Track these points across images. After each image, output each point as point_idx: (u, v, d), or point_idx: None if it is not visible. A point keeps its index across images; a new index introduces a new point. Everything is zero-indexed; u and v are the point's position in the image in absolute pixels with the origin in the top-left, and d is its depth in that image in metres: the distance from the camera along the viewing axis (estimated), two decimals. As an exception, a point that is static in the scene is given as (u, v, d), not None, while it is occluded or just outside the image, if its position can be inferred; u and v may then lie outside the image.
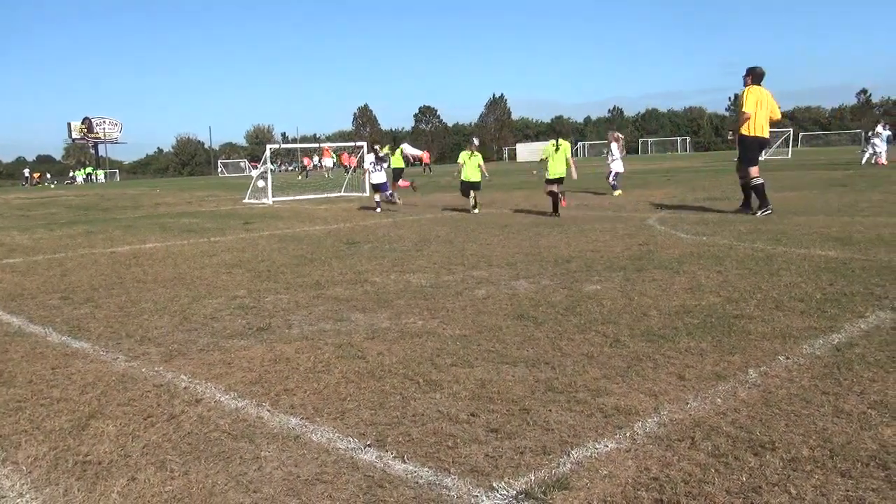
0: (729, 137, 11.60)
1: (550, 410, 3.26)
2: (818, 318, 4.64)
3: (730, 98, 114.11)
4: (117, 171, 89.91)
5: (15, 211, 22.70)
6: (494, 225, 11.44)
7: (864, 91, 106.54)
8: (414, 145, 16.09)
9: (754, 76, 10.96)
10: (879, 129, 27.13)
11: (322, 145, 32.89)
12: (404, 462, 2.82)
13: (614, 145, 17.79)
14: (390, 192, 16.02)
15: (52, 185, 67.22)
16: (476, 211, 13.89)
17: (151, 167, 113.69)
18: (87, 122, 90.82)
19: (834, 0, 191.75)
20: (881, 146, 26.62)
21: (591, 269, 6.82)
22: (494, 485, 2.58)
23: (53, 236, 12.87)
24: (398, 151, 21.95)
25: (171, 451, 3.01)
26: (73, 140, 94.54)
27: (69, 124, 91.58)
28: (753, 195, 11.13)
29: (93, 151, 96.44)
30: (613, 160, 17.54)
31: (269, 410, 3.45)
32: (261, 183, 21.44)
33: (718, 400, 3.30)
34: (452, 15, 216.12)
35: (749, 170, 11.15)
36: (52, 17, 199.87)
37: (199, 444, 3.07)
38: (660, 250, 7.76)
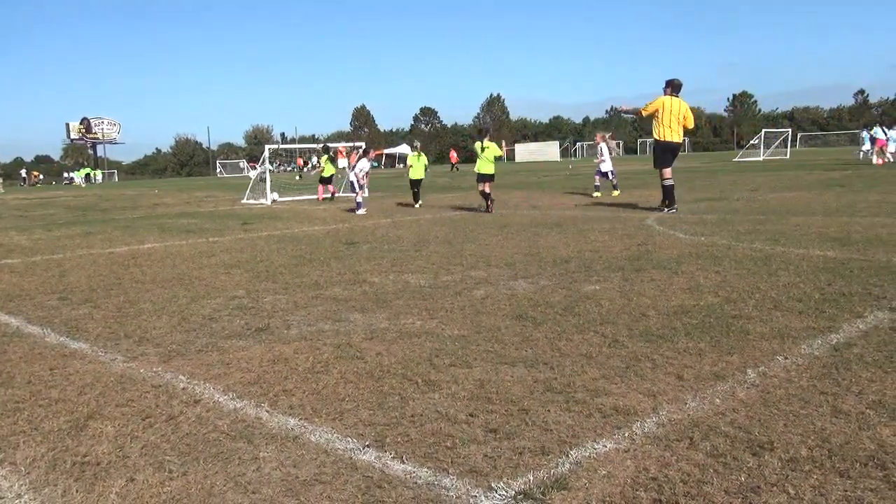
0: (621, 109, 14.08)
1: (549, 411, 3.26)
2: (816, 318, 4.64)
3: (728, 98, 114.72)
4: (115, 171, 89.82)
5: (13, 211, 22.67)
6: (493, 225, 11.44)
7: (861, 91, 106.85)
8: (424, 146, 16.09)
9: (672, 87, 12.12)
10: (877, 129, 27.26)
11: (338, 146, 32.83)
12: (403, 462, 2.82)
13: (603, 146, 17.67)
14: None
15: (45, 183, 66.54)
16: (418, 206, 16.34)
17: (150, 168, 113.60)
18: (85, 122, 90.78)
19: (833, 0, 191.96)
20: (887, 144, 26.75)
21: (589, 269, 6.82)
22: (493, 485, 2.58)
23: (52, 237, 12.86)
24: (324, 159, 22.07)
25: (169, 452, 3.01)
26: (72, 140, 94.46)
27: (67, 125, 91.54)
28: (671, 192, 12.27)
29: (91, 152, 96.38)
30: (602, 161, 17.47)
31: (267, 411, 3.44)
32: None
33: (717, 400, 3.31)
34: (451, 15, 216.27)
35: (661, 171, 12.34)
36: (51, 18, 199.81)
37: (197, 445, 3.07)
38: (658, 250, 7.77)
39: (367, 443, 3.01)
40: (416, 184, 16.94)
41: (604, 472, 2.65)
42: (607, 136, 18.38)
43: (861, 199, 12.65)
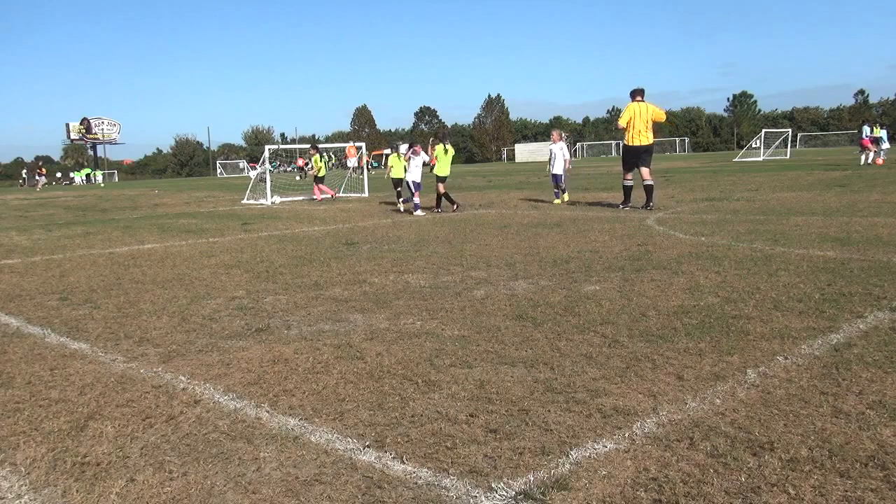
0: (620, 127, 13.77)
1: (549, 411, 3.26)
2: (817, 318, 4.64)
3: (728, 99, 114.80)
4: (115, 171, 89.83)
5: (13, 212, 22.68)
6: (493, 226, 11.44)
7: (861, 91, 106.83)
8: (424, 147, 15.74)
9: (633, 94, 13.24)
10: (866, 128, 27.32)
11: (347, 145, 32.85)
12: (403, 463, 2.81)
13: (556, 147, 16.15)
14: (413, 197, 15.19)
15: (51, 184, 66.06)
16: (401, 205, 16.61)
17: (150, 168, 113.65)
18: (85, 122, 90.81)
19: (832, 0, 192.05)
20: (885, 145, 26.79)
21: (589, 269, 6.82)
22: (493, 485, 2.58)
23: (52, 237, 12.86)
24: (316, 160, 22.01)
25: (169, 452, 3.01)
26: (72, 141, 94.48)
27: (67, 125, 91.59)
28: (651, 192, 13.19)
29: (91, 152, 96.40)
30: (554, 160, 15.97)
31: (267, 411, 3.44)
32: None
33: (717, 400, 3.31)
34: (452, 16, 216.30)
35: (623, 173, 13.72)
36: (51, 17, 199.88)
37: (197, 445, 3.07)
38: (658, 251, 7.77)
39: (367, 443, 3.01)
40: (397, 183, 17.50)
41: (604, 472, 2.65)
42: (564, 136, 16.97)
43: (861, 200, 12.65)
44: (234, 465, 2.85)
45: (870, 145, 27.00)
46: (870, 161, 26.34)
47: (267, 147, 24.43)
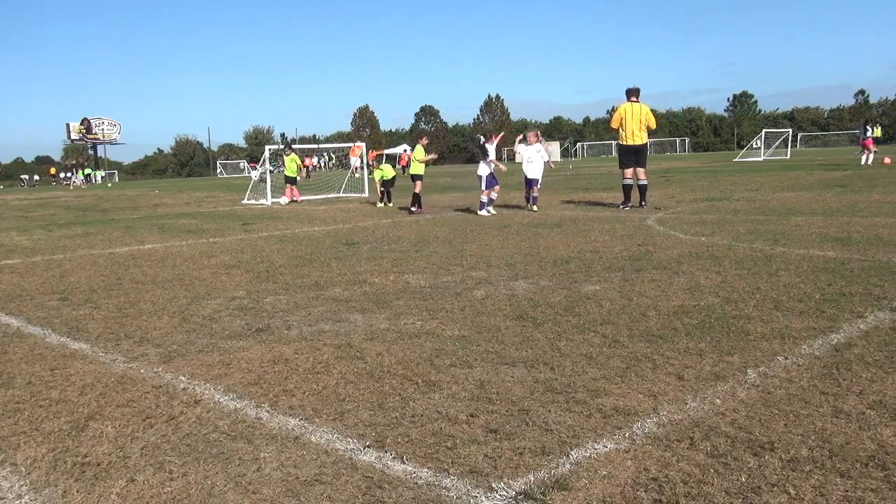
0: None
1: (549, 411, 3.26)
2: (817, 318, 4.64)
3: (728, 99, 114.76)
4: (115, 171, 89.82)
5: (13, 212, 22.68)
6: (493, 226, 11.44)
7: (861, 91, 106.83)
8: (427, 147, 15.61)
9: (628, 93, 13.36)
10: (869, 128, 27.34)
11: (349, 145, 32.83)
12: (403, 463, 2.81)
13: (532, 148, 14.42)
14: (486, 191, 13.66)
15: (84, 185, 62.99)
16: (382, 204, 17.58)
17: (150, 168, 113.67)
18: (85, 122, 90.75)
19: (832, 1, 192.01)
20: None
21: (590, 269, 6.82)
22: (493, 485, 2.58)
23: (52, 237, 12.87)
24: (290, 159, 21.90)
25: (169, 453, 3.01)
26: (72, 141, 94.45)
27: (67, 125, 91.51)
28: (645, 191, 13.49)
29: (91, 152, 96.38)
30: (529, 163, 14.30)
31: (268, 411, 3.44)
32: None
33: (717, 400, 3.31)
34: (452, 16, 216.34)
35: (622, 171, 13.69)
36: (51, 17, 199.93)
37: (197, 445, 3.07)
38: (658, 251, 7.77)
39: (367, 443, 3.01)
40: (387, 184, 18.07)
41: (604, 472, 2.65)
42: (540, 136, 14.92)
43: (861, 200, 12.64)
44: (235, 466, 2.85)
45: (871, 146, 27.03)
46: (870, 161, 26.33)
47: (267, 147, 24.43)
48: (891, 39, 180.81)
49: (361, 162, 27.24)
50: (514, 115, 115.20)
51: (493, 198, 13.95)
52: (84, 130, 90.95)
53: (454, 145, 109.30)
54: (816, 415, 3.08)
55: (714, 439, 2.87)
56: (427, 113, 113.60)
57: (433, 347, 4.37)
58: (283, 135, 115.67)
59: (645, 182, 13.54)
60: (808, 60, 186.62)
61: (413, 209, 15.09)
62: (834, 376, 3.55)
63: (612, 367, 3.85)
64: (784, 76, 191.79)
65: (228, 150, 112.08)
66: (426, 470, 2.74)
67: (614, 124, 13.61)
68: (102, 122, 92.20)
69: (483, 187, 13.75)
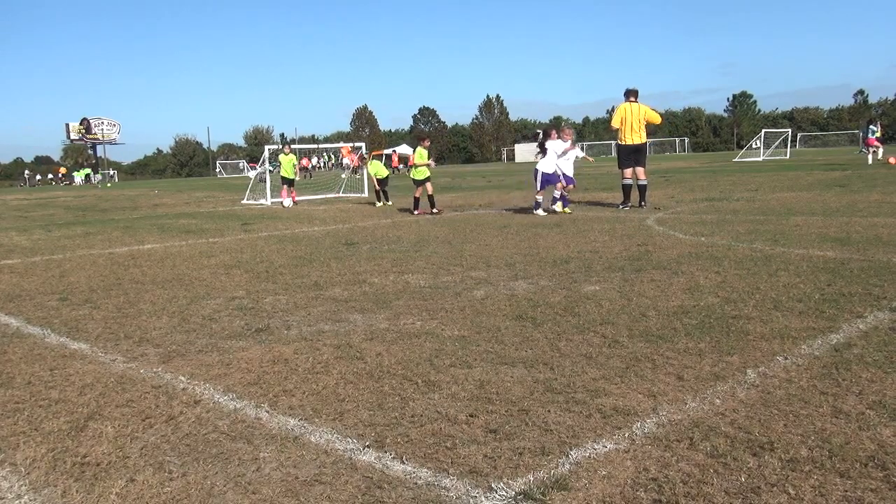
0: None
1: (549, 411, 3.26)
2: (816, 318, 4.64)
3: (728, 99, 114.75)
4: (115, 171, 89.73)
5: (13, 212, 22.67)
6: (493, 226, 11.44)
7: (861, 91, 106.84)
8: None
9: (627, 94, 13.42)
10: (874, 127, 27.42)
11: (341, 145, 32.87)
12: (403, 463, 2.81)
13: (560, 144, 13.25)
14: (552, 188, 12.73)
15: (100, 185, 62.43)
16: (381, 204, 17.69)
17: (150, 168, 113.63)
18: (85, 122, 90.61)
19: (831, 1, 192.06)
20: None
21: (589, 269, 6.82)
22: (493, 485, 2.58)
23: (52, 237, 12.86)
24: (291, 161, 20.99)
25: (169, 453, 3.01)
26: (72, 141, 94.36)
27: (67, 125, 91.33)
28: (644, 191, 13.54)
29: (91, 152, 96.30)
30: (567, 160, 13.26)
31: (267, 411, 3.44)
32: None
33: (717, 400, 3.31)
34: (451, 16, 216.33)
35: (622, 171, 13.70)
36: (50, 17, 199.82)
37: (197, 445, 3.07)
38: (658, 251, 7.77)
39: (367, 443, 3.01)
40: (381, 183, 18.23)
41: (604, 472, 2.65)
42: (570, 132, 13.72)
43: (861, 200, 12.65)
44: (234, 466, 2.85)
45: (875, 144, 27.12)
46: (879, 158, 26.37)
47: (267, 147, 24.43)
48: (890, 39, 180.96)
49: (353, 163, 27.18)
50: (514, 115, 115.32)
51: (557, 196, 12.67)
52: (83, 130, 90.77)
53: (453, 145, 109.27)
54: (816, 415, 3.08)
55: (714, 439, 2.87)
56: (425, 113, 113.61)
57: (433, 347, 4.37)
58: (282, 135, 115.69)
59: (645, 182, 13.61)
60: (807, 60, 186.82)
61: (434, 211, 14.58)
62: (833, 376, 3.55)
63: (612, 367, 3.85)
64: (784, 76, 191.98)
65: (228, 150, 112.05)
66: (426, 470, 2.74)
67: (615, 124, 13.73)
68: (102, 122, 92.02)
69: (538, 186, 12.90)
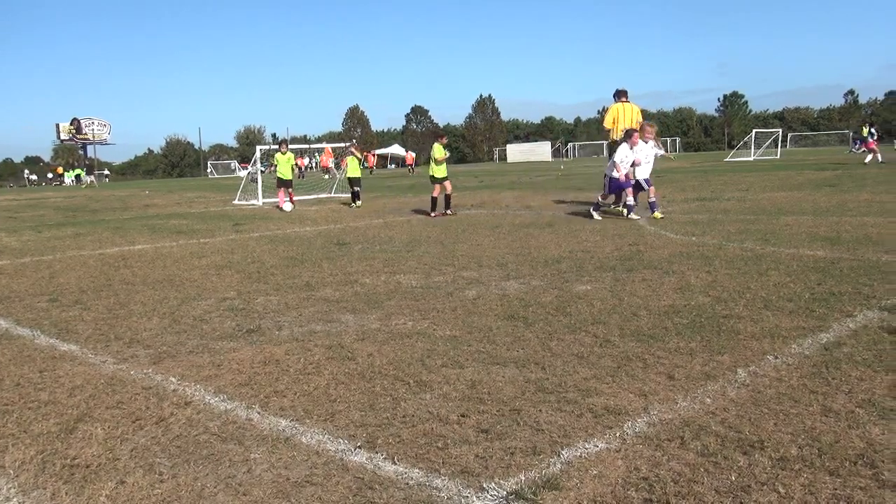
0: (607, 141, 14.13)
1: (540, 411, 3.27)
2: (807, 317, 4.66)
3: (719, 99, 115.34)
4: (107, 173, 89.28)
5: (2, 213, 22.52)
6: (485, 226, 11.44)
7: (851, 92, 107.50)
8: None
9: (617, 94, 13.50)
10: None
11: (324, 145, 32.70)
12: (394, 463, 2.81)
13: (651, 143, 12.02)
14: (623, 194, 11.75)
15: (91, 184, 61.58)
16: (359, 203, 17.20)
17: (141, 168, 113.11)
18: (75, 122, 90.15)
19: (824, 1, 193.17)
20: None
21: (581, 269, 6.83)
22: (485, 485, 2.58)
23: (41, 238, 12.78)
24: (289, 160, 20.83)
25: (159, 454, 2.99)
26: (62, 141, 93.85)
27: (57, 125, 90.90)
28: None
29: (82, 153, 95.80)
30: (647, 162, 11.95)
31: (258, 412, 3.43)
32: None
33: (708, 399, 3.32)
34: (444, 16, 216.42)
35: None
36: (41, 18, 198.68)
37: (188, 447, 3.06)
38: (650, 250, 7.79)
39: (358, 444, 3.01)
40: (354, 182, 17.69)
41: (595, 472, 2.65)
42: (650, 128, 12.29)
43: (851, 199, 12.71)
44: (225, 467, 2.84)
45: (874, 147, 27.31)
46: (880, 160, 26.54)
47: (258, 147, 24.36)
48: (881, 40, 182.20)
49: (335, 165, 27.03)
50: (506, 116, 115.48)
51: (631, 202, 11.50)
52: (74, 131, 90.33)
53: (445, 145, 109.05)
54: (806, 413, 3.10)
55: (704, 438, 2.88)
56: (417, 113, 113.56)
57: (424, 348, 4.37)
58: (273, 135, 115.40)
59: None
60: (798, 61, 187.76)
61: (448, 212, 13.87)
62: (823, 375, 3.56)
63: (603, 366, 3.86)
64: (775, 76, 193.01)
65: (219, 151, 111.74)
66: (417, 470, 2.74)
67: (607, 124, 13.83)
68: (92, 123, 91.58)
69: (606, 190, 12.08)
